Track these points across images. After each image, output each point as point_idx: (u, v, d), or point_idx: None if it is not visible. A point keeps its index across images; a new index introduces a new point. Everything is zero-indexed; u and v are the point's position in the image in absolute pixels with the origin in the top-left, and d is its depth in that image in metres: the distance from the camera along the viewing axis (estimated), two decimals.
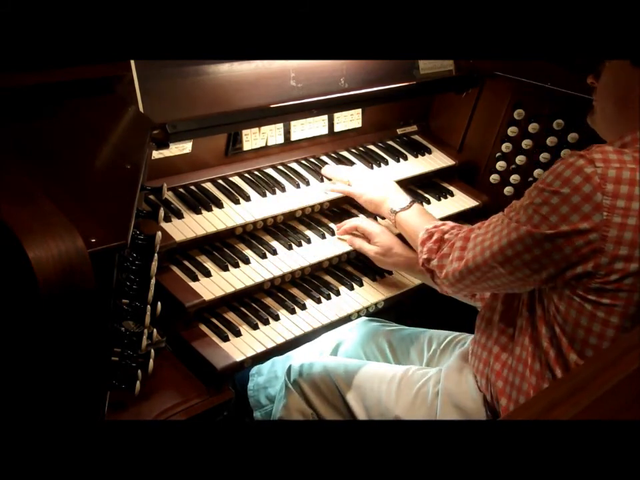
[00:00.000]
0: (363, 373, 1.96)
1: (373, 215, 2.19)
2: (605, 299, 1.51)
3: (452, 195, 2.50)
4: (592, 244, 1.46)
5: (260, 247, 1.97)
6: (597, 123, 1.68)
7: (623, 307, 1.51)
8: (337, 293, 2.00)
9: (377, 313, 2.07)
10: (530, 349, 1.65)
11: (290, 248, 2.01)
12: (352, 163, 2.32)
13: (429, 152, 2.56)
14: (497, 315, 1.78)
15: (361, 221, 2.10)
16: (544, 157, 2.47)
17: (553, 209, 1.48)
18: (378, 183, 2.14)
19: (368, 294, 2.04)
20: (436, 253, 1.82)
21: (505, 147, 2.52)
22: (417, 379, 1.91)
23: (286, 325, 1.85)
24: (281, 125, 2.18)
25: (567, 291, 1.56)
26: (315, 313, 1.92)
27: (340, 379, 1.96)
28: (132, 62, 1.72)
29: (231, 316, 1.84)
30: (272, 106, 2.03)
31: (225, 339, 1.75)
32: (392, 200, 2.07)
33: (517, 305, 1.73)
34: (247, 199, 2.02)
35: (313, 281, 2.02)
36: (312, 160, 2.28)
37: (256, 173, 2.14)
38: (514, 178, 2.52)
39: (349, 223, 2.11)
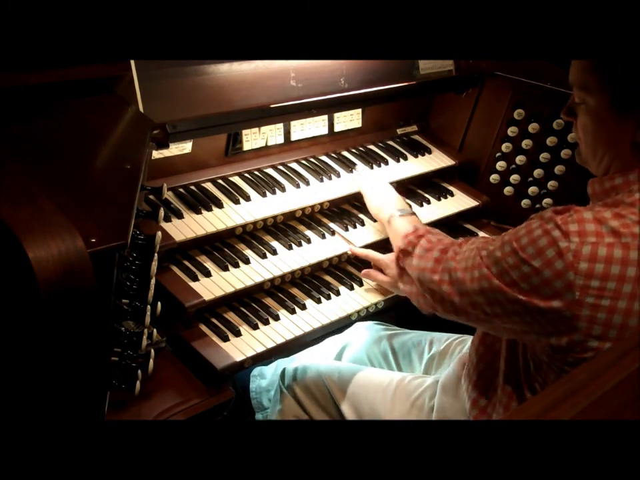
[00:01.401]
0: (358, 379, 1.94)
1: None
2: None
3: (452, 194, 2.50)
4: (565, 320, 1.38)
5: (260, 246, 1.97)
6: (587, 163, 1.56)
7: None
8: (337, 293, 2.00)
9: (377, 313, 2.07)
10: (515, 397, 1.61)
11: (290, 248, 2.01)
12: (352, 163, 2.32)
13: (429, 152, 2.56)
14: (483, 346, 1.73)
15: (372, 253, 2.06)
16: (544, 157, 2.47)
17: (524, 277, 1.40)
18: (379, 191, 2.12)
19: (368, 294, 2.04)
20: (414, 246, 1.74)
21: (505, 147, 2.52)
22: (412, 389, 1.88)
23: (286, 325, 1.85)
24: (280, 125, 2.18)
25: (544, 357, 1.49)
26: (315, 313, 1.92)
27: (333, 385, 1.94)
28: (132, 62, 1.72)
29: (231, 316, 1.84)
30: (272, 106, 2.03)
31: (225, 339, 1.75)
32: (390, 208, 2.03)
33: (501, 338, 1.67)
34: (247, 198, 2.03)
35: (313, 281, 2.02)
36: (312, 160, 2.28)
37: (256, 172, 2.14)
38: (514, 178, 2.52)
39: (361, 250, 2.07)
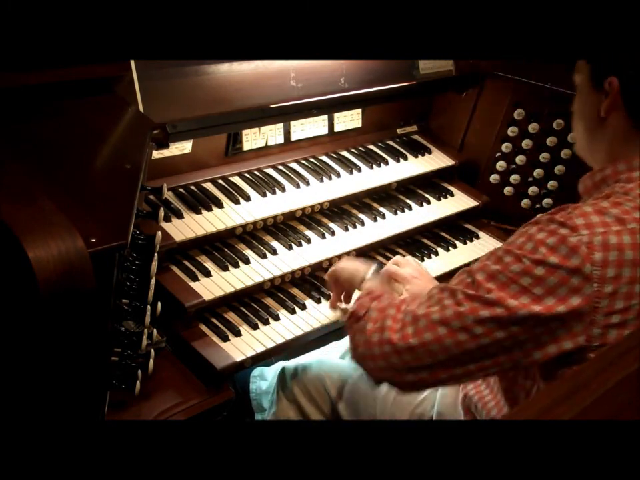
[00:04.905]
0: (358, 386, 1.86)
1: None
2: None
3: (452, 194, 2.50)
4: (579, 318, 1.33)
5: (260, 246, 1.97)
6: (578, 150, 1.55)
7: None
8: None
9: None
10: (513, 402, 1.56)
11: (290, 248, 2.01)
12: (352, 163, 2.32)
13: (429, 152, 2.56)
14: None
15: (396, 268, 1.91)
16: (544, 157, 2.47)
17: (539, 280, 1.32)
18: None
19: None
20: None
21: (505, 147, 2.52)
22: (412, 398, 1.82)
23: (286, 325, 1.85)
24: (281, 125, 2.18)
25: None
26: (315, 312, 1.92)
27: (333, 389, 1.88)
28: (132, 62, 1.72)
29: (231, 316, 1.84)
30: (272, 106, 2.03)
31: (225, 338, 1.75)
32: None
33: None
34: (247, 199, 2.03)
35: (313, 281, 2.02)
36: (312, 160, 2.28)
37: (256, 172, 2.14)
38: (514, 178, 2.52)
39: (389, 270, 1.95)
